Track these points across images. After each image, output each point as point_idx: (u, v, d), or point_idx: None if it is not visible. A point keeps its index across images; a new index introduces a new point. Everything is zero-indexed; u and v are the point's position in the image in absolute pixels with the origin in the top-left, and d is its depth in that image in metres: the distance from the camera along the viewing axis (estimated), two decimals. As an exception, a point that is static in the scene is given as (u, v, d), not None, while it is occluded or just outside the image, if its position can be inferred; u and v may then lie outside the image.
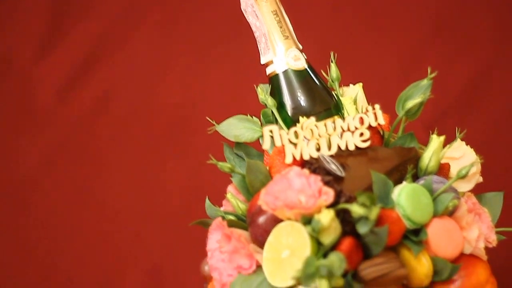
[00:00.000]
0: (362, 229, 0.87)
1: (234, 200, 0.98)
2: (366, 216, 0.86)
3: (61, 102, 1.54)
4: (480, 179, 0.98)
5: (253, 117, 1.03)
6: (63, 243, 1.36)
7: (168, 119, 1.51)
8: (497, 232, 0.97)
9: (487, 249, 0.95)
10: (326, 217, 0.87)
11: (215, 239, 0.95)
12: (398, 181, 0.92)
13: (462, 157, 0.97)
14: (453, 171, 0.96)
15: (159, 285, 1.27)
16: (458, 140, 0.98)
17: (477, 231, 0.93)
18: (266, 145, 0.93)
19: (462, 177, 0.91)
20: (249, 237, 0.94)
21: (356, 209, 0.86)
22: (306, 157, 0.93)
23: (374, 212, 0.86)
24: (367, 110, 0.95)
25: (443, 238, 0.91)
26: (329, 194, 0.88)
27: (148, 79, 1.56)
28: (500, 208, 1.01)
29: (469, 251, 0.93)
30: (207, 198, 1.00)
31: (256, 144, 1.00)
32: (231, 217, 0.98)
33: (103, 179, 1.45)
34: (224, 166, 0.97)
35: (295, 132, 0.93)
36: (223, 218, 0.96)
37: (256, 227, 0.93)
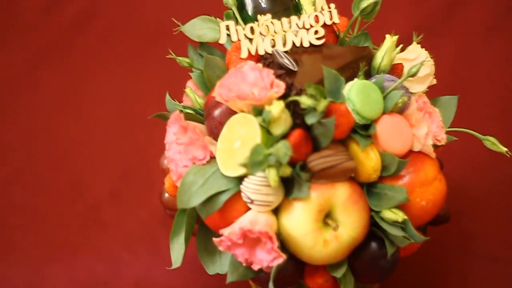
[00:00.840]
0: (310, 120, 0.89)
1: (192, 94, 1.00)
2: (314, 107, 0.88)
3: (45, 14, 1.57)
4: (434, 81, 1.00)
5: (217, 18, 1.05)
6: (38, 148, 1.39)
7: (146, 31, 1.54)
8: (448, 133, 0.99)
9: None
10: (276, 108, 0.89)
11: (172, 132, 0.98)
12: (350, 78, 0.94)
13: (416, 58, 0.99)
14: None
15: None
16: (414, 43, 1.00)
17: (426, 128, 0.95)
18: (222, 39, 0.96)
19: (412, 75, 0.93)
20: (205, 130, 0.97)
21: (304, 100, 0.88)
22: (261, 52, 0.96)
23: (322, 104, 0.88)
24: (322, 9, 0.96)
25: (392, 134, 0.93)
26: (280, 87, 0.90)
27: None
28: (454, 111, 1.03)
29: (418, 148, 0.96)
30: (167, 93, 1.03)
31: (222, 45, 1.02)
32: (189, 111, 1.00)
33: (83, 88, 1.48)
34: (183, 61, 0.99)
35: (251, 28, 0.96)
36: (181, 111, 0.98)
37: (211, 120, 0.95)
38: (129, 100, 1.44)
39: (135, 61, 1.51)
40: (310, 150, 0.92)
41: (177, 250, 0.99)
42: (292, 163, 0.90)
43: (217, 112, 0.95)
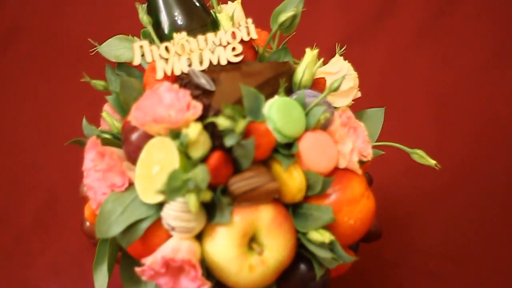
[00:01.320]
0: (229, 141, 0.86)
1: (109, 118, 0.97)
2: (232, 128, 0.85)
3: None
4: (359, 94, 0.97)
5: (134, 37, 1.01)
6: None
7: (70, 51, 1.50)
8: (375, 147, 0.97)
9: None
10: (194, 131, 0.86)
11: (90, 158, 0.94)
12: (270, 95, 0.91)
13: (339, 72, 0.96)
14: (330, 86, 0.95)
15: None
16: (337, 55, 0.98)
17: (350, 144, 0.92)
18: (136, 60, 0.92)
19: (334, 90, 0.90)
20: (124, 155, 0.93)
21: (222, 122, 0.85)
22: (177, 72, 0.92)
23: (240, 125, 0.85)
24: (239, 25, 0.93)
25: (316, 152, 0.91)
26: (197, 108, 0.87)
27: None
28: (381, 123, 1.00)
29: (343, 165, 0.93)
30: (84, 118, 0.99)
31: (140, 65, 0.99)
32: (107, 136, 0.96)
33: (4, 111, 1.43)
34: (97, 84, 0.95)
35: (166, 47, 0.92)
36: (98, 136, 0.94)
37: (129, 144, 0.92)
38: (53, 123, 1.39)
39: (58, 83, 1.46)
40: (231, 172, 0.88)
41: (101, 280, 0.95)
42: (213, 187, 0.87)
43: (134, 136, 0.91)
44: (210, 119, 0.86)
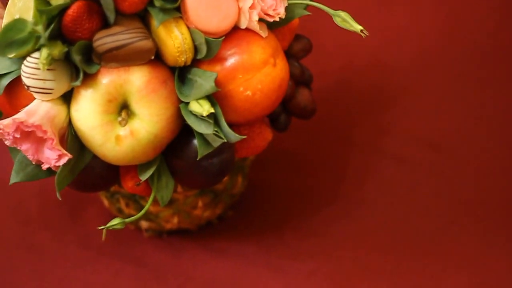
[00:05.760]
0: (83, -11, 0.72)
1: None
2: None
3: None
4: None
5: None
6: None
7: None
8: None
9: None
10: (50, -27, 0.72)
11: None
12: None
13: None
14: None
15: None
16: None
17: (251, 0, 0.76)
18: None
19: None
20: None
21: (74, -36, 0.71)
22: None
23: (98, -31, 0.71)
24: None
25: (207, 7, 0.76)
26: None
27: None
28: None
29: (244, 25, 0.77)
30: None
31: None
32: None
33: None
34: None
35: None
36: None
37: (0, -11, 0.79)
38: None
39: None
40: (96, 26, 0.75)
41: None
42: (75, 42, 0.74)
43: (5, -19, 0.79)
44: (69, -40, 0.73)
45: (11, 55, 0.74)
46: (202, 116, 0.75)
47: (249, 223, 0.96)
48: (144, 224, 0.94)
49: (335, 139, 1.03)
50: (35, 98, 0.78)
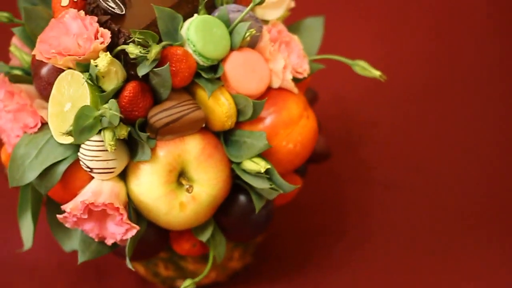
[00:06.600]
0: (141, 70, 0.78)
1: (18, 52, 0.88)
2: (144, 56, 0.76)
3: None
4: (292, 4, 0.88)
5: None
6: None
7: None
8: (314, 61, 0.88)
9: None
10: (103, 61, 0.77)
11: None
12: (189, 14, 0.82)
13: (265, -17, 0.86)
14: None
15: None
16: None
17: (283, 61, 0.83)
18: (37, -14, 0.83)
19: (259, 2, 0.81)
20: (36, 92, 0.85)
21: (131, 49, 0.76)
22: (84, -4, 0.83)
23: (154, 51, 0.76)
24: None
25: (244, 73, 0.82)
26: (105, 35, 0.78)
27: None
28: (320, 34, 0.91)
29: (277, 85, 0.84)
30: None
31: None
32: (18, 72, 0.87)
33: None
34: (1, 16, 0.85)
35: (69, -31, 0.82)
36: (6, 73, 0.86)
37: (39, 80, 0.83)
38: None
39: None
40: (149, 104, 0.80)
41: (27, 229, 0.88)
42: (132, 122, 0.79)
43: (44, 71, 0.83)
44: (121, 47, 0.77)
45: (82, 142, 0.78)
46: (259, 173, 0.81)
47: (269, 267, 1.02)
48: (180, 283, 0.98)
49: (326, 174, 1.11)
50: (89, 181, 0.82)
